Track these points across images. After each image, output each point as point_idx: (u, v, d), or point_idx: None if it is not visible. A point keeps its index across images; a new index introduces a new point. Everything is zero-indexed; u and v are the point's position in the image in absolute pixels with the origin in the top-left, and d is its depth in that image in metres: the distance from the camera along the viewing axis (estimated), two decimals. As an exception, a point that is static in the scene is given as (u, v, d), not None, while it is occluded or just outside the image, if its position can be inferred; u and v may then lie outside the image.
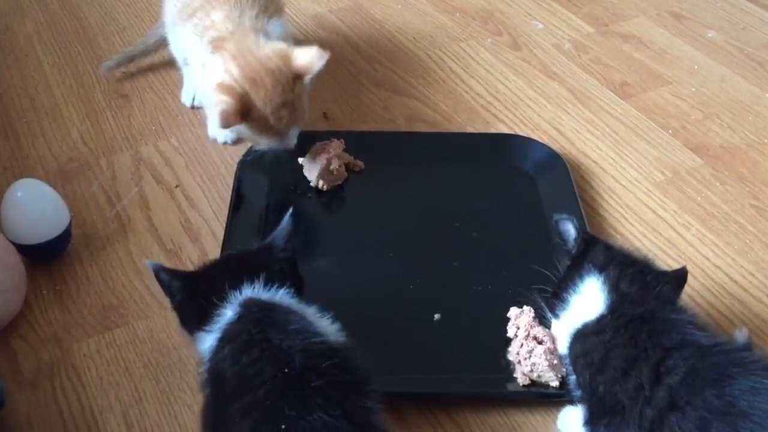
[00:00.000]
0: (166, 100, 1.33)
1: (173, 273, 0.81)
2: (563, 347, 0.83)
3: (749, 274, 1.05)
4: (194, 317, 0.79)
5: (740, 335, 0.91)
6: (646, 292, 0.78)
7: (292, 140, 1.07)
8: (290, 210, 0.85)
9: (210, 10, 1.10)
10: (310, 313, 0.77)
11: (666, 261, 1.06)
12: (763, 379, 0.68)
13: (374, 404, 0.71)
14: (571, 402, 0.82)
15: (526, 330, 0.90)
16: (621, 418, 0.72)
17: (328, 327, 0.76)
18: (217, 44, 1.05)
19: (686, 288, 1.00)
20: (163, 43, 1.32)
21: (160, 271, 0.80)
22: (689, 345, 0.73)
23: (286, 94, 1.01)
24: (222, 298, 0.77)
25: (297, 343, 0.71)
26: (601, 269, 0.81)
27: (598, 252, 0.83)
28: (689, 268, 1.03)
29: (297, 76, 1.02)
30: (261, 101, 1.00)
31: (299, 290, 0.81)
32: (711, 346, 0.72)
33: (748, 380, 0.68)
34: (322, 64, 1.02)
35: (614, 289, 0.79)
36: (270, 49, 1.02)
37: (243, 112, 0.99)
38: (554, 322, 0.86)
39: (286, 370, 0.68)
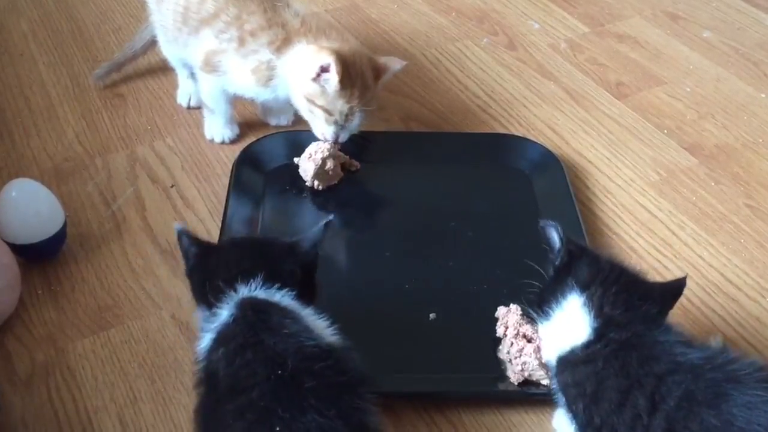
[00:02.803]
0: (162, 100, 1.33)
1: (193, 239, 0.83)
2: (547, 354, 0.82)
3: (743, 274, 1.05)
4: (199, 289, 0.81)
5: (714, 343, 0.91)
6: (631, 313, 0.76)
7: (347, 134, 1.13)
8: (330, 217, 0.85)
9: (243, 15, 1.11)
10: (307, 313, 0.77)
11: (660, 260, 1.07)
12: (758, 391, 0.68)
13: (368, 405, 0.70)
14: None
15: (514, 328, 0.90)
16: None
17: (323, 329, 0.76)
18: (278, 44, 1.10)
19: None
20: (150, 46, 1.32)
21: (182, 235, 0.82)
22: (681, 367, 0.72)
23: (370, 82, 1.11)
24: (219, 297, 0.77)
25: (290, 345, 0.70)
26: (583, 288, 0.78)
27: (583, 267, 0.79)
28: (683, 267, 1.05)
29: (377, 74, 1.12)
30: (354, 71, 1.08)
31: (312, 297, 0.80)
32: (703, 364, 0.71)
33: (744, 395, 0.68)
34: (399, 67, 1.14)
35: (599, 312, 0.76)
36: (355, 43, 1.14)
37: (343, 67, 1.05)
38: (540, 326, 0.84)
39: (279, 372, 0.68)
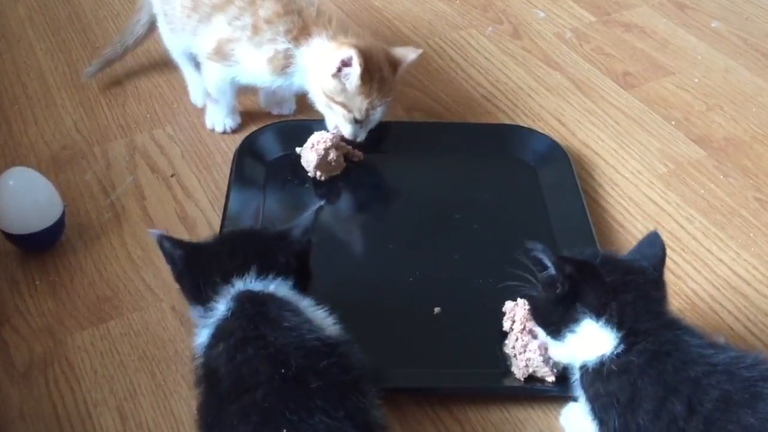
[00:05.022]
0: (161, 88, 1.31)
1: (176, 242, 0.80)
2: (558, 356, 0.81)
3: (752, 268, 1.04)
4: (192, 290, 0.79)
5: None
6: (656, 321, 0.75)
7: (365, 132, 1.12)
8: (319, 204, 0.84)
9: (258, 0, 1.09)
10: (305, 305, 0.76)
11: (669, 254, 1.03)
12: None
13: (372, 401, 0.69)
14: (574, 399, 0.81)
15: (521, 323, 0.89)
16: None
17: (323, 320, 0.75)
18: (295, 33, 1.09)
19: (689, 282, 1.01)
20: (141, 41, 1.30)
21: (163, 240, 0.79)
22: (716, 369, 0.71)
23: (389, 74, 1.10)
24: (215, 291, 0.75)
25: (292, 340, 0.69)
26: (598, 313, 0.75)
27: (590, 291, 0.75)
28: (691, 261, 1.04)
29: (394, 67, 1.11)
30: (373, 65, 1.07)
31: (306, 286, 0.79)
32: (735, 364, 0.71)
33: None
34: (414, 57, 1.13)
35: (621, 326, 0.74)
36: (371, 39, 1.14)
37: (364, 66, 1.05)
38: (550, 343, 0.81)
39: (283, 371, 0.66)
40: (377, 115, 1.10)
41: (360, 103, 1.07)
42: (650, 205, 1.12)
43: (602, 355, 0.75)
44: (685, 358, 0.72)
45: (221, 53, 1.12)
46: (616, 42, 1.44)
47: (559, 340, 0.78)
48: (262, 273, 0.76)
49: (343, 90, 1.07)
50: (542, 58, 1.40)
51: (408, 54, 1.13)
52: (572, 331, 0.77)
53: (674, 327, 0.75)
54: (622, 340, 0.74)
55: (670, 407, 0.70)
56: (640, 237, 1.06)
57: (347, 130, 1.10)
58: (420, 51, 1.14)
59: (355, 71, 1.04)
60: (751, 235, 1.08)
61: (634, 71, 1.37)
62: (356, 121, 1.10)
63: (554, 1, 1.55)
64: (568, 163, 1.14)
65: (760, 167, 1.19)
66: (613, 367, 0.73)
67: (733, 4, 1.54)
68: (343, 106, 1.08)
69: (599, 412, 0.75)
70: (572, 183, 1.10)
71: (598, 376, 0.75)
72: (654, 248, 0.80)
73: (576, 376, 0.78)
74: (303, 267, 0.81)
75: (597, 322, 0.75)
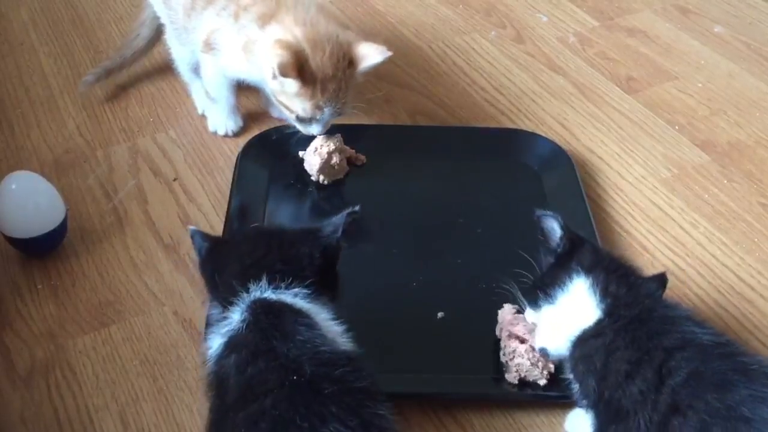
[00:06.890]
0: (164, 91, 1.31)
1: (205, 236, 0.80)
2: (541, 339, 0.82)
3: (757, 273, 1.03)
4: (210, 283, 0.78)
5: None
6: (637, 292, 0.78)
7: (320, 126, 1.07)
8: (354, 208, 0.80)
9: None
10: (322, 318, 0.73)
11: (673, 260, 1.05)
12: (764, 387, 0.68)
13: (389, 413, 0.67)
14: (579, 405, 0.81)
15: (506, 330, 0.88)
16: (627, 425, 0.71)
17: (338, 335, 0.72)
18: (266, 18, 1.05)
19: (694, 287, 1.01)
20: (140, 54, 1.29)
21: (195, 234, 0.80)
22: (690, 345, 0.72)
23: (339, 71, 1.02)
24: (231, 294, 0.73)
25: (306, 351, 0.67)
26: (588, 271, 0.79)
27: (585, 253, 0.81)
28: (696, 266, 1.04)
29: (351, 63, 1.03)
30: (316, 64, 1.01)
31: (334, 291, 0.76)
32: (713, 348, 0.72)
33: (749, 388, 0.68)
34: (379, 60, 1.04)
35: (605, 292, 0.78)
36: (337, 27, 1.05)
37: (298, 66, 1.00)
38: (530, 312, 0.84)
39: (295, 378, 0.64)
40: (326, 115, 1.05)
41: (302, 104, 1.03)
42: (654, 210, 1.12)
43: (585, 327, 0.77)
44: (660, 327, 0.74)
45: (208, 43, 1.11)
46: (620, 46, 1.44)
47: (553, 303, 0.80)
48: (281, 275, 0.73)
49: (283, 91, 1.03)
50: (545, 62, 1.40)
51: (371, 55, 1.03)
52: (565, 290, 0.79)
53: (656, 299, 0.78)
54: (603, 310, 0.76)
55: (642, 375, 0.71)
56: (643, 242, 1.07)
57: (300, 128, 1.08)
58: (389, 54, 1.04)
59: (287, 81, 1.00)
60: (756, 240, 1.08)
61: (637, 76, 1.37)
62: (302, 120, 1.06)
63: (557, 5, 1.54)
64: (571, 168, 1.13)
65: (764, 172, 1.18)
66: (591, 331, 0.76)
67: (736, 9, 1.54)
68: (284, 106, 1.05)
69: (581, 384, 0.76)
70: (576, 187, 1.10)
71: (578, 342, 0.77)
72: (655, 278, 0.82)
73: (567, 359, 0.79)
74: (330, 269, 0.77)
75: (585, 281, 0.78)
